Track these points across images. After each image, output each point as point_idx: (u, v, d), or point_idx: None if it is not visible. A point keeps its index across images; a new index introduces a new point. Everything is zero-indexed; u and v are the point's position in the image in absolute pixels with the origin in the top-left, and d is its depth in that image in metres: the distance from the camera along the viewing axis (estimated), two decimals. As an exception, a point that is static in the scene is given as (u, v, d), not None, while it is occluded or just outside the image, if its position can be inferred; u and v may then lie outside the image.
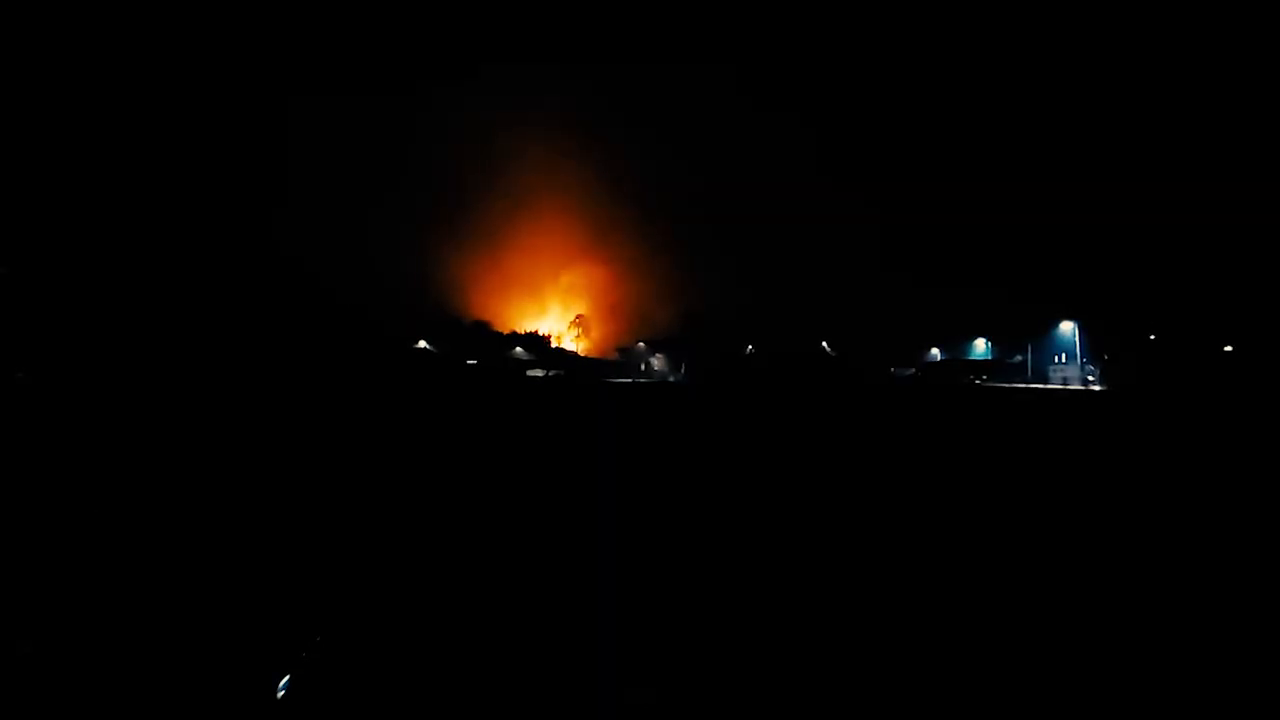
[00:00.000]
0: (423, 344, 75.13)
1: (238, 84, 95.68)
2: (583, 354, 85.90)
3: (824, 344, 76.72)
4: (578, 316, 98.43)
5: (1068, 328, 62.43)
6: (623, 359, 78.25)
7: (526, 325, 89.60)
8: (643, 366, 75.70)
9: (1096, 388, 52.47)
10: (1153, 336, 55.65)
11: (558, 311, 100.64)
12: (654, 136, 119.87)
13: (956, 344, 74.00)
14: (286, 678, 3.01)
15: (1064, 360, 62.27)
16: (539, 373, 69.15)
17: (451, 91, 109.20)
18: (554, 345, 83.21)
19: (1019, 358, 66.76)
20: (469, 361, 67.25)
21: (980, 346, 72.91)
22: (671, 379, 67.66)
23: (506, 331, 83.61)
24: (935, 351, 74.57)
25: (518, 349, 77.04)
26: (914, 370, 69.83)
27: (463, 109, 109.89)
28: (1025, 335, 65.76)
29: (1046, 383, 60.75)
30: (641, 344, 79.86)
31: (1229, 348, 49.29)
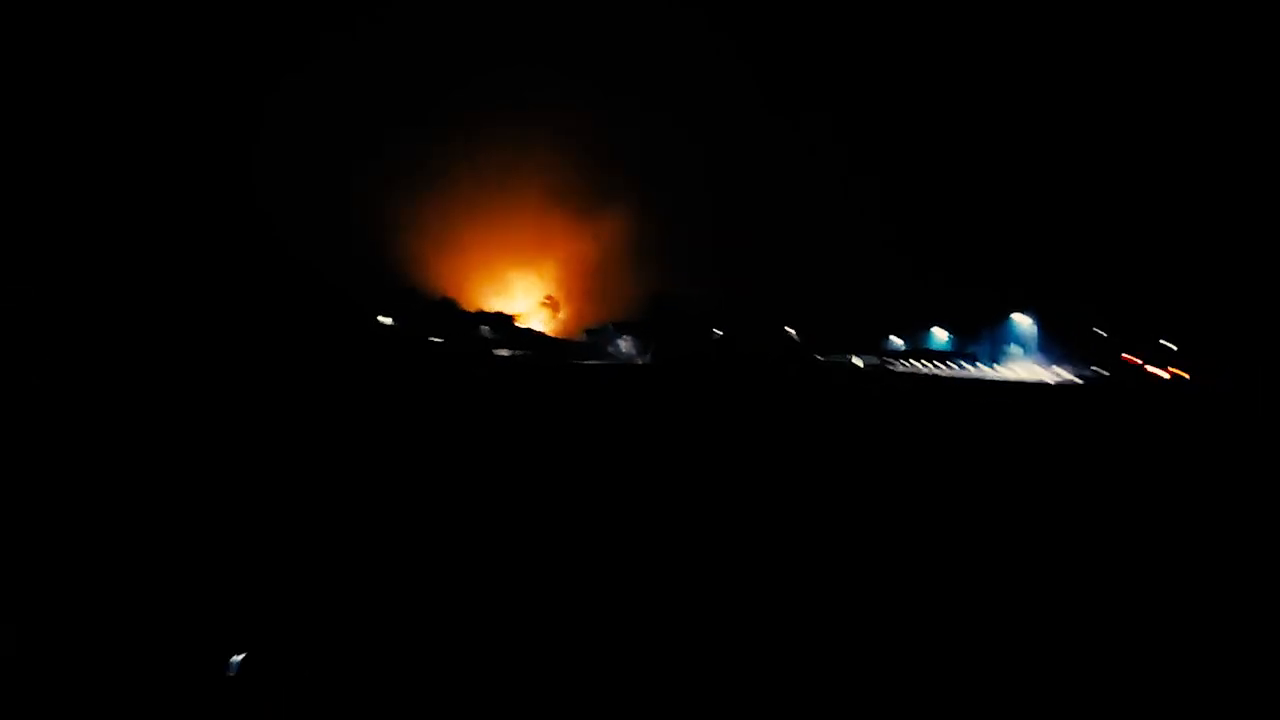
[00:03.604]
0: (386, 320, 73.30)
1: (216, 62, 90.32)
2: (551, 335, 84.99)
3: (789, 330, 77.58)
4: (547, 297, 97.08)
5: (1023, 319, 64.64)
6: (590, 340, 77.77)
7: (494, 304, 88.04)
8: (610, 349, 75.42)
9: (1049, 380, 54.40)
10: (1104, 333, 57.78)
11: (526, 291, 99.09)
12: (627, 119, 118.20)
13: (916, 333, 75.69)
14: (241, 656, 2.96)
15: (1018, 350, 64.58)
16: (505, 353, 68.32)
17: (423, 71, 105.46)
18: (522, 325, 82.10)
19: (974, 348, 68.77)
20: (433, 339, 65.98)
21: (940, 336, 74.69)
22: (639, 361, 67.70)
23: (473, 310, 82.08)
24: (895, 340, 76.12)
25: (484, 328, 75.82)
26: (878, 358, 71.30)
27: (436, 88, 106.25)
28: (982, 325, 67.85)
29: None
30: (610, 325, 79.46)
31: (1174, 346, 51.61)
